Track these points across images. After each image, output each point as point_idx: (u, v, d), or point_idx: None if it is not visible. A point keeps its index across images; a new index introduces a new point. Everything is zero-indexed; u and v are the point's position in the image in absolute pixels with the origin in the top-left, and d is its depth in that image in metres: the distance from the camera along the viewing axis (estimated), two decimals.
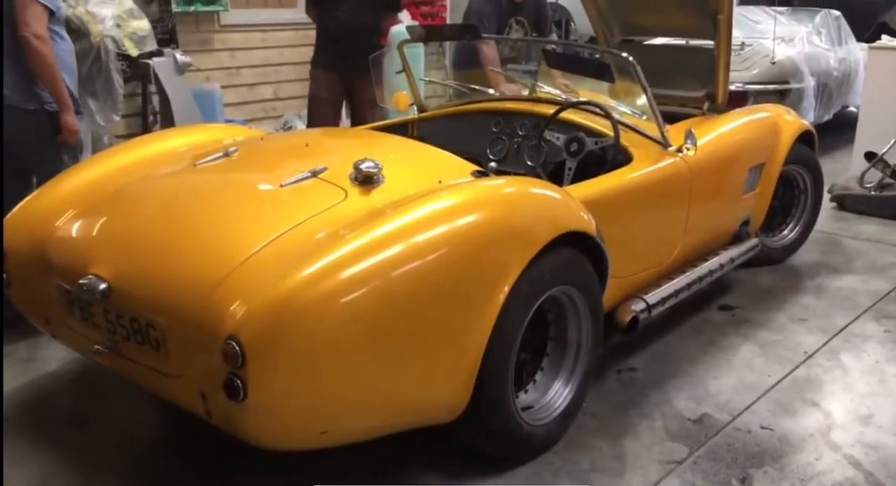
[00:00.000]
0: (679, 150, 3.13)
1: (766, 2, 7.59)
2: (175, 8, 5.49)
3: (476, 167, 2.61)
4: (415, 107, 3.93)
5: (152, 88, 5.22)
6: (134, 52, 4.81)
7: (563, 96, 3.61)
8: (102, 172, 2.64)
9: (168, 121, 5.19)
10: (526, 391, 2.45)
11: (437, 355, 2.05)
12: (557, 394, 2.48)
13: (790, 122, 3.90)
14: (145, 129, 5.35)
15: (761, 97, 6.11)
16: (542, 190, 2.40)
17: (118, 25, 4.68)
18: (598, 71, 3.19)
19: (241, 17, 6.00)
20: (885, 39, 6.04)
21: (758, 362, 3.05)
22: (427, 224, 2.07)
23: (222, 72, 5.87)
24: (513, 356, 2.21)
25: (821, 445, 2.49)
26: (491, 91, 3.92)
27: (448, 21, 7.55)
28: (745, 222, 3.66)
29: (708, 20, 3.55)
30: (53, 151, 3.18)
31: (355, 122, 4.75)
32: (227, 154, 2.63)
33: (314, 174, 2.35)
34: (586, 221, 2.42)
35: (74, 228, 2.37)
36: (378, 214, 2.11)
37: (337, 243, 1.96)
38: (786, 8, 7.51)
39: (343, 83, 4.68)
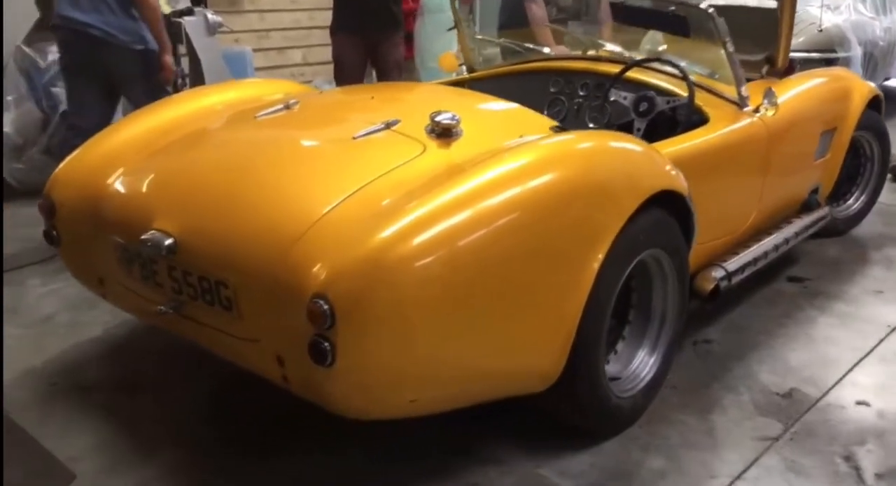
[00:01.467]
0: (756, 110, 2.95)
1: None
2: None
3: (554, 123, 2.44)
4: (464, 67, 3.75)
5: (182, 49, 5.03)
6: (165, 9, 4.61)
7: (627, 54, 3.42)
8: (153, 125, 2.47)
9: (198, 82, 5.00)
10: (608, 362, 2.29)
11: (533, 321, 1.89)
12: (643, 364, 2.32)
13: (861, 85, 3.71)
14: (175, 90, 5.17)
15: (807, 66, 5.89)
16: (631, 145, 2.22)
17: None
18: (674, 24, 3.00)
19: None
20: None
21: (838, 335, 2.88)
22: (514, 181, 1.89)
23: (252, 34, 5.69)
24: (606, 323, 2.05)
25: None
26: (545, 50, 3.73)
27: None
28: (815, 191, 3.48)
29: None
30: (150, 85, 3.70)
31: None
32: (287, 107, 2.45)
33: (387, 126, 2.18)
34: (677, 179, 2.25)
35: (132, 182, 2.21)
36: (459, 171, 1.94)
37: (421, 201, 1.79)
38: None
39: (366, 45, 4.50)
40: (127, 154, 2.32)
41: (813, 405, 2.42)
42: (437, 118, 2.11)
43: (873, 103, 3.77)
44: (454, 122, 2.11)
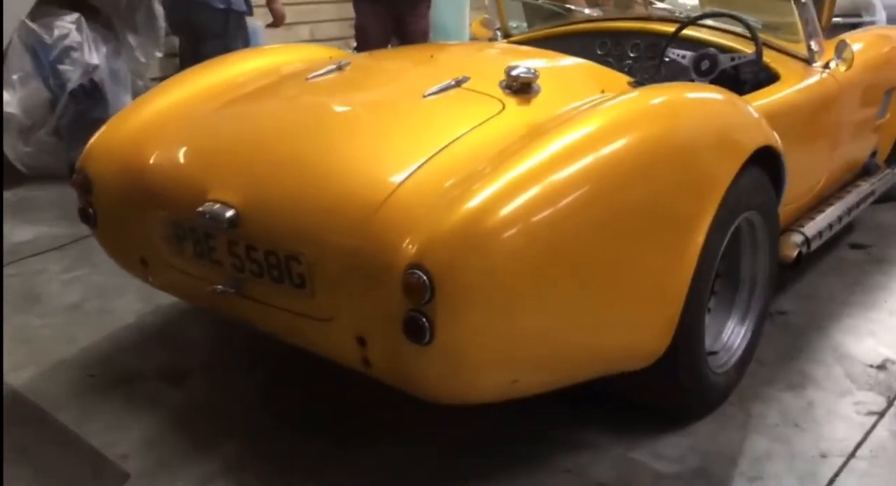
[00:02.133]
0: (825, 66, 2.77)
1: None
2: None
3: (630, 78, 2.26)
4: (499, 33, 3.55)
5: None
6: None
7: (678, 13, 3.23)
8: (197, 89, 2.25)
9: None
10: None
11: (640, 294, 1.71)
12: (734, 335, 2.16)
13: None
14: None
15: (833, 31, 5.72)
16: (732, 100, 2.03)
17: None
18: None
19: None
20: None
21: None
22: (611, 137, 1.70)
23: (263, 10, 5.43)
24: (708, 294, 1.88)
25: None
26: (586, 11, 3.52)
27: None
28: (873, 154, 3.32)
29: None
30: (228, 46, 3.71)
31: None
32: (339, 67, 2.25)
33: (458, 83, 1.99)
34: (773, 136, 2.07)
35: (181, 150, 2.00)
36: (547, 130, 1.74)
37: (510, 163, 1.59)
38: None
39: (390, 15, 4.27)
40: (170, 121, 2.11)
41: None
42: (514, 73, 1.92)
43: None
44: (533, 76, 1.92)
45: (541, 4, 3.56)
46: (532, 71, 1.94)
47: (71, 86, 4.06)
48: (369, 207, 1.61)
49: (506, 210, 1.50)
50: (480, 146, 1.73)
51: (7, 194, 3.84)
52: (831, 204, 2.84)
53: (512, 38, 3.47)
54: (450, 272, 1.45)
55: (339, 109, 2.02)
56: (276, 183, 1.77)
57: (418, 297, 1.45)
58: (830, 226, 2.70)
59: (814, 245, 2.56)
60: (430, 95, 1.94)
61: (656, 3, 3.30)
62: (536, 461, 1.91)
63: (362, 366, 1.67)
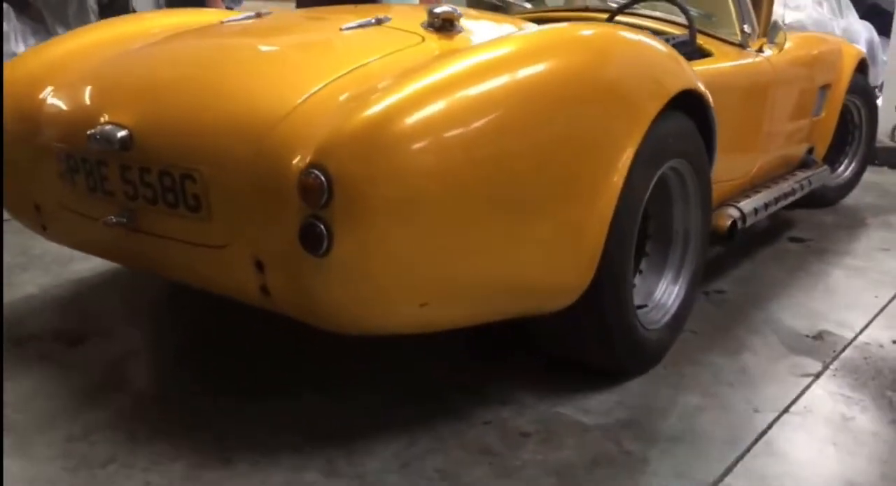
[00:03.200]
0: (759, 50, 2.78)
1: None
2: None
3: None
4: None
5: None
6: None
7: (614, 3, 3.23)
8: (98, 39, 2.12)
9: None
10: None
11: (560, 226, 1.62)
12: (667, 293, 2.07)
13: (849, 47, 3.61)
14: None
15: None
16: (656, 43, 1.98)
17: None
18: None
19: None
20: None
21: (857, 284, 2.68)
22: (538, 56, 1.62)
23: None
24: (635, 232, 1.79)
25: None
26: (526, 5, 3.51)
27: None
28: (810, 150, 3.32)
29: None
30: None
31: None
32: (258, 15, 2.16)
33: (378, 22, 1.92)
34: (698, 83, 2.02)
35: (78, 84, 1.86)
36: (462, 50, 1.66)
37: (426, 71, 1.49)
38: None
39: None
40: (72, 62, 1.99)
41: (849, 343, 2.19)
42: (437, 10, 1.85)
43: (860, 67, 3.67)
44: (456, 14, 1.85)
45: None
46: (456, 10, 1.87)
47: None
48: (268, 123, 1.49)
49: (411, 119, 1.40)
50: (397, 66, 1.63)
51: None
52: (768, 188, 2.81)
53: None
54: (349, 172, 1.34)
55: (247, 41, 1.93)
56: (172, 102, 1.65)
57: (315, 199, 1.34)
58: (766, 205, 2.66)
59: (749, 221, 2.50)
60: (347, 28, 1.86)
61: None
62: (459, 415, 1.77)
63: (262, 296, 1.53)
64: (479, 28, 1.95)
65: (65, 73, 1.95)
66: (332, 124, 1.42)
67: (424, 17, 1.89)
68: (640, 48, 1.89)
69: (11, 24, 3.87)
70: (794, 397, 1.89)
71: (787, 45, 2.99)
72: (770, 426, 1.75)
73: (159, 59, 1.90)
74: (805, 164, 3.27)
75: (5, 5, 3.92)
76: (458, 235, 1.47)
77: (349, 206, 1.34)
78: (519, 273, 1.60)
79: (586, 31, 1.82)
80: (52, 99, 1.89)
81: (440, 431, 1.70)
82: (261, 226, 1.46)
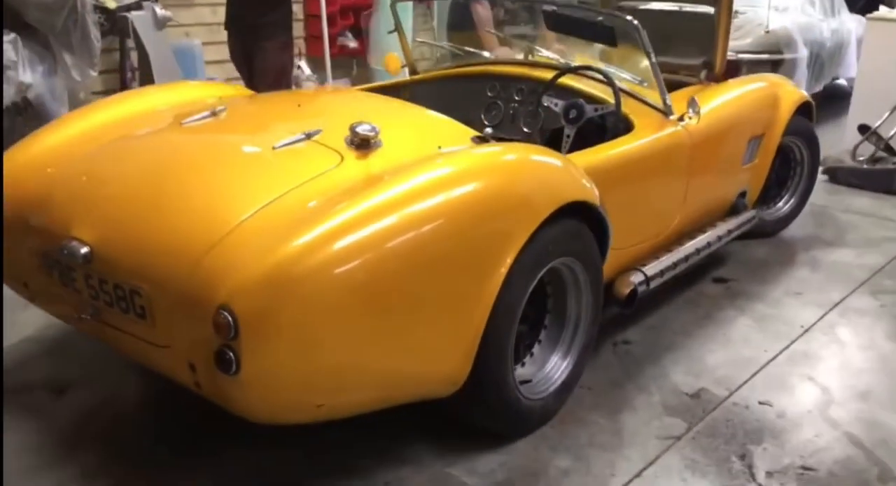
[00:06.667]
0: (681, 118, 3.05)
1: None
2: None
3: (475, 133, 2.51)
4: (406, 69, 3.81)
5: (131, 43, 5.03)
6: (112, 4, 4.63)
7: (562, 61, 3.50)
8: (81, 130, 2.51)
9: (147, 77, 5.02)
10: (523, 365, 2.39)
11: (438, 328, 1.98)
12: (555, 367, 2.42)
13: (790, 92, 3.82)
14: (123, 85, 5.18)
15: (754, 67, 6.01)
16: (544, 158, 2.31)
17: None
18: (601, 34, 3.09)
19: None
20: (884, 10, 5.94)
21: (754, 336, 3.00)
22: (426, 193, 1.98)
23: (203, 28, 5.67)
24: (514, 329, 2.14)
25: (819, 422, 2.46)
26: (486, 54, 3.80)
27: None
28: (742, 194, 3.59)
29: None
30: None
31: None
32: (214, 113, 2.50)
33: (308, 137, 2.25)
34: (589, 191, 2.34)
35: (53, 189, 2.24)
36: (375, 181, 2.01)
37: (332, 211, 1.86)
38: None
39: (242, 49, 4.30)
40: (53, 159, 2.36)
41: (718, 404, 2.53)
42: (357, 129, 2.17)
43: (804, 109, 3.90)
44: (373, 133, 2.18)
45: (442, 47, 3.83)
46: (373, 128, 2.18)
47: (6, 103, 4.27)
48: (203, 248, 1.86)
49: (313, 256, 1.76)
50: (311, 197, 1.98)
51: None
52: (683, 243, 3.11)
53: (415, 77, 3.73)
54: (252, 314, 1.71)
55: (196, 156, 2.28)
56: (126, 224, 2.03)
57: (225, 334, 1.71)
58: (675, 265, 2.97)
59: (654, 284, 2.83)
60: (279, 146, 2.20)
61: (542, 51, 3.58)
62: (361, 474, 2.16)
63: (196, 388, 1.92)
64: (395, 141, 2.26)
65: (50, 165, 2.33)
66: (245, 262, 1.78)
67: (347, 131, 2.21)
68: (525, 168, 2.22)
69: (20, 53, 4.20)
70: (649, 461, 2.25)
71: (713, 106, 3.24)
72: None
73: (118, 170, 2.26)
74: (735, 208, 3.55)
75: (13, 34, 4.25)
76: (344, 351, 1.83)
77: (252, 340, 1.71)
78: (405, 370, 1.97)
79: (470, 160, 2.17)
80: (36, 194, 2.26)
81: None
82: (192, 341, 1.83)
